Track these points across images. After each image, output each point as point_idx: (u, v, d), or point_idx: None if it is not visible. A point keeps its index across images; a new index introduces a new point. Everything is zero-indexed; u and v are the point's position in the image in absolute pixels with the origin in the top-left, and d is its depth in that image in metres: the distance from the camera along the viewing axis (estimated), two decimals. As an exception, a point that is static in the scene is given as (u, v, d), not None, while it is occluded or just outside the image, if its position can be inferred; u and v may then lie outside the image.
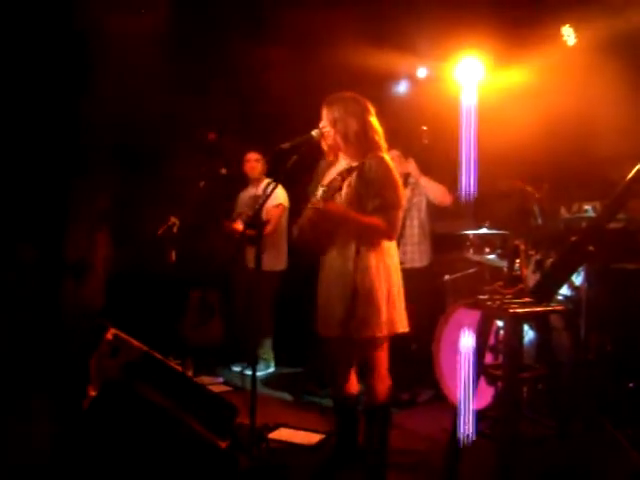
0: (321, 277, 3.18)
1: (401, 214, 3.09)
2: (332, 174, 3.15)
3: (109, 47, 4.52)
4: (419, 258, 4.58)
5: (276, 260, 5.09)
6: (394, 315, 3.06)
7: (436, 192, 4.54)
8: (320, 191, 3.08)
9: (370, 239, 3.03)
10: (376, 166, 3.01)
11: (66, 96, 4.56)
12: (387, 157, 3.08)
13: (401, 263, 3.29)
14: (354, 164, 3.03)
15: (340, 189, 2.97)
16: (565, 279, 3.53)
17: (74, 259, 4.77)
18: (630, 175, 2.87)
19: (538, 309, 3.13)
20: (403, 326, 3.11)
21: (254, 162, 5.19)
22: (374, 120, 3.11)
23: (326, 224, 3.05)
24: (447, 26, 4.78)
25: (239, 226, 5.03)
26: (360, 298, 2.98)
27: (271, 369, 5.25)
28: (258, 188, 5.13)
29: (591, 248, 3.13)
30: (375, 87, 5.25)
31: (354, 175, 2.99)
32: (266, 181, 5.04)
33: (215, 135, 5.85)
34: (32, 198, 4.39)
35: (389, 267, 3.08)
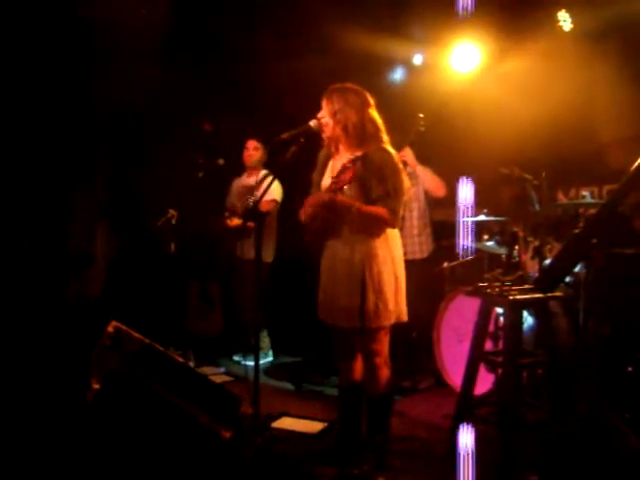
0: (325, 266, 3.18)
1: (402, 202, 3.08)
2: (336, 165, 3.15)
3: (110, 36, 4.47)
4: (419, 250, 4.57)
5: (265, 253, 5.07)
6: (400, 304, 3.12)
7: (431, 183, 4.52)
8: (329, 183, 3.06)
9: (374, 228, 3.05)
10: (380, 156, 3.02)
11: (67, 88, 4.52)
12: (389, 148, 3.10)
13: (401, 254, 3.29)
14: (358, 154, 3.01)
15: (350, 182, 2.95)
16: (569, 270, 3.51)
17: (76, 252, 4.77)
18: (635, 166, 2.83)
19: (537, 295, 3.15)
20: (405, 315, 3.16)
21: (252, 150, 5.13)
22: (374, 112, 3.11)
23: (332, 215, 3.05)
24: (443, 12, 4.76)
25: (233, 222, 5.00)
26: (369, 288, 3.00)
27: (269, 358, 5.27)
28: (252, 178, 5.09)
29: (594, 240, 3.12)
30: (371, 74, 5.23)
31: (359, 166, 2.98)
32: (263, 172, 5.00)
33: (211, 125, 5.83)
34: (33, 192, 4.37)
35: (395, 256, 3.11)
